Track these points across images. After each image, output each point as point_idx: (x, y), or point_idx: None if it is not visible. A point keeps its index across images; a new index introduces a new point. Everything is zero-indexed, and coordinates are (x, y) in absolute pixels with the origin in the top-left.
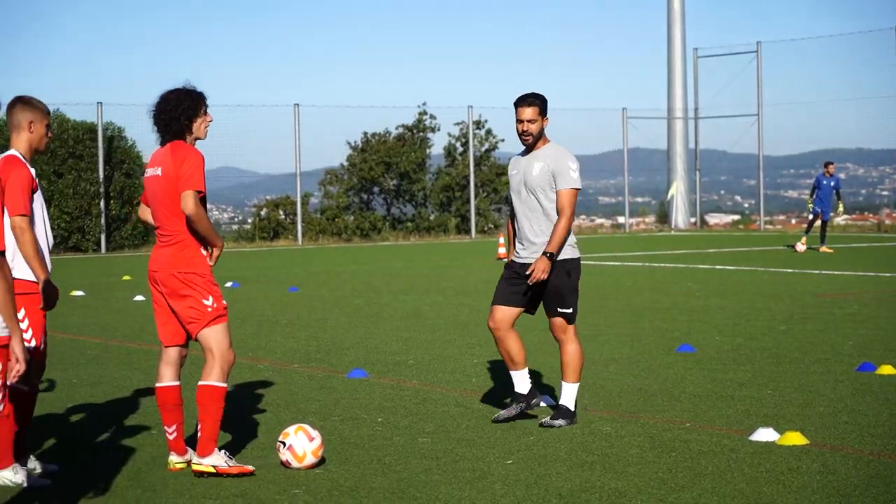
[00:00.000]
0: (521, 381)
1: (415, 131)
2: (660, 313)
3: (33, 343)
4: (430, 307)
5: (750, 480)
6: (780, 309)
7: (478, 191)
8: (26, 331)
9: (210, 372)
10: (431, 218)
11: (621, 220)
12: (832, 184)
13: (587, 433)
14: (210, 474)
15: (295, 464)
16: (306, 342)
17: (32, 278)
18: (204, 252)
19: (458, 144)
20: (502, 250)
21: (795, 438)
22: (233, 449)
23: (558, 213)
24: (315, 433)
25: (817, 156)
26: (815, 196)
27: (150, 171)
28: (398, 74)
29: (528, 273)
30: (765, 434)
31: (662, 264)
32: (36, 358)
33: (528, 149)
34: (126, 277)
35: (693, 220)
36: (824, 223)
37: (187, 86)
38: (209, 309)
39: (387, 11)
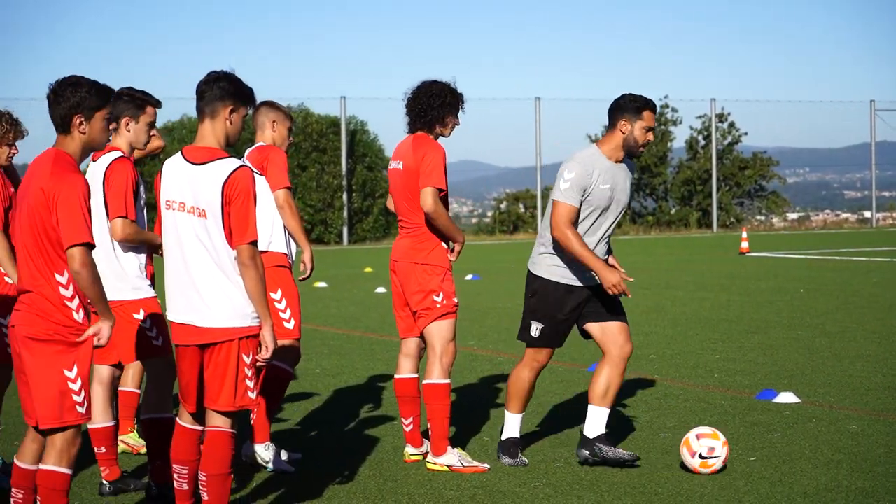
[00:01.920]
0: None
1: (656, 124)
2: None
3: (292, 323)
4: (671, 302)
5: None
6: None
7: (720, 185)
8: (284, 311)
9: (432, 370)
10: (672, 212)
11: (867, 214)
12: None
13: (833, 431)
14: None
15: (705, 471)
16: None
17: (286, 251)
18: (445, 246)
19: (699, 138)
20: (745, 245)
21: None
22: (473, 439)
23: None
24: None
25: None
26: None
27: (392, 164)
28: (639, 67)
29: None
30: None
31: None
32: (293, 338)
33: (624, 159)
34: (368, 269)
35: None
36: None
37: (452, 83)
38: (438, 305)
39: (629, 4)
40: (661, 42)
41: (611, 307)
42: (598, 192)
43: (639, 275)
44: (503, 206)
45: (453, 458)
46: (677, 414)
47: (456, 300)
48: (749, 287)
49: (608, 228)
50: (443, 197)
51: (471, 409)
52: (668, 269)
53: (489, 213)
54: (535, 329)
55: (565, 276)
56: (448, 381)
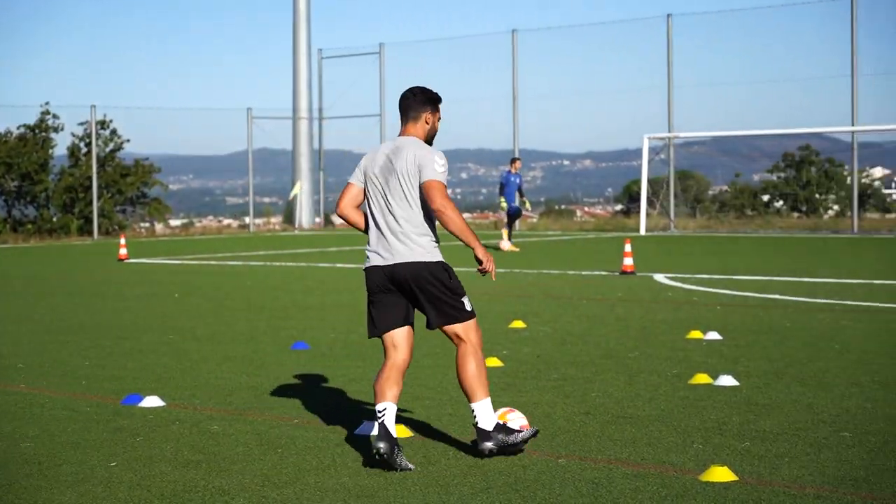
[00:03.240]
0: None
1: (37, 131)
2: (278, 311)
3: None
4: (45, 310)
5: (353, 474)
6: None
7: (102, 192)
8: None
9: None
10: (54, 220)
11: (248, 220)
12: (518, 180)
13: (195, 432)
14: None
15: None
16: None
17: None
18: None
19: (82, 144)
20: (124, 251)
21: (400, 431)
22: None
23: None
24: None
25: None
26: (504, 193)
27: None
28: (19, 73)
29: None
30: (370, 427)
31: (284, 263)
32: None
33: None
34: None
35: (318, 219)
36: (511, 219)
37: None
38: None
39: (5, 5)
40: (37, 46)
41: None
42: None
43: (14, 285)
44: None
45: None
46: (41, 423)
47: None
48: (124, 293)
49: None
50: None
51: None
52: (45, 278)
53: None
54: (468, 302)
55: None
56: None
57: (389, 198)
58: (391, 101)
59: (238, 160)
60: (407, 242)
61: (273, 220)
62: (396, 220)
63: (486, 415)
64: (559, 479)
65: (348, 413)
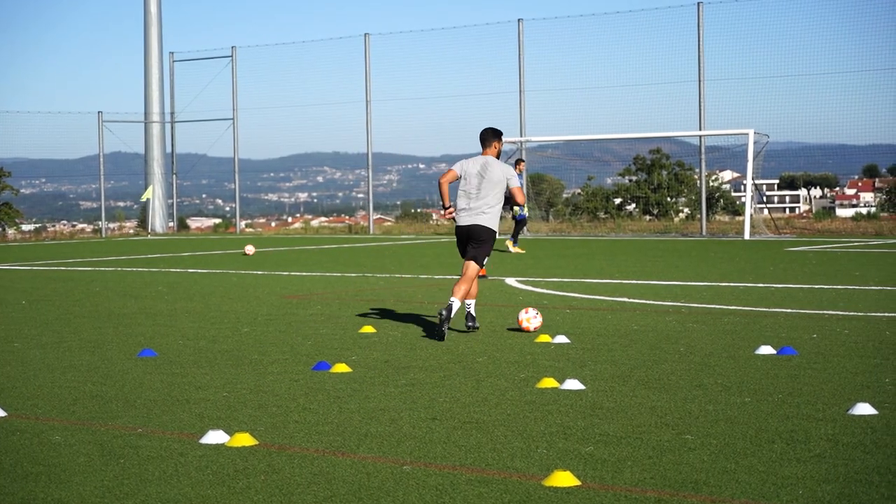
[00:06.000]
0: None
1: None
2: (126, 318)
3: None
4: None
5: (195, 484)
6: (246, 311)
7: None
8: None
9: None
10: None
11: (101, 224)
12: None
13: (35, 444)
14: None
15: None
16: None
17: None
18: None
19: None
20: None
21: (244, 440)
22: None
23: None
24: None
25: (297, 160)
26: None
27: None
28: None
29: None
30: (214, 437)
31: (136, 269)
32: None
33: None
34: None
35: (171, 223)
36: (518, 223)
37: None
38: None
39: None
40: None
41: None
42: None
43: None
44: None
45: None
46: None
47: None
48: None
49: None
50: None
51: None
52: None
53: None
54: (487, 258)
55: None
56: None
57: (483, 192)
58: (244, 104)
59: (91, 164)
60: (486, 215)
61: (127, 224)
62: (483, 204)
63: (473, 307)
64: (403, 487)
65: (192, 421)
